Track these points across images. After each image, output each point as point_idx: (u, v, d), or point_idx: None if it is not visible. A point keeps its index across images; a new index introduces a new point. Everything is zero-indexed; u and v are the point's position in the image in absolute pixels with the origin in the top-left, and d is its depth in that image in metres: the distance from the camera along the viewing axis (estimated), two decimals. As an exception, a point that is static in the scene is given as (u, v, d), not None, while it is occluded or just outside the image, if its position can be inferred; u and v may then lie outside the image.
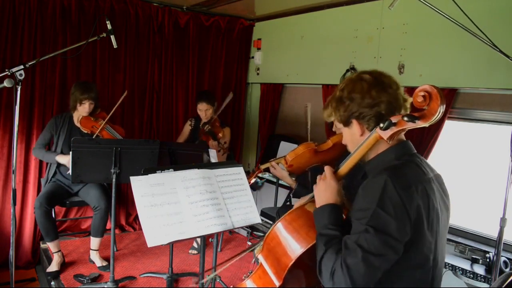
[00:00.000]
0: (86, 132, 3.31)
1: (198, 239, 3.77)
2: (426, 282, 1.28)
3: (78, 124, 3.35)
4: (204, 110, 3.71)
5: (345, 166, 1.37)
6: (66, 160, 3.19)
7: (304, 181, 2.53)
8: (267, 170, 2.65)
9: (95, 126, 3.30)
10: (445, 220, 1.34)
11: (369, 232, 1.15)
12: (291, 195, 3.64)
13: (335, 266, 1.18)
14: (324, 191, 1.35)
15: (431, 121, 1.21)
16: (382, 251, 1.15)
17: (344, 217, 1.34)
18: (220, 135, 3.61)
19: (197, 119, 3.88)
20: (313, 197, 1.42)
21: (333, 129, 2.75)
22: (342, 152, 2.54)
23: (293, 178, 2.52)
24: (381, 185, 1.19)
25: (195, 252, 3.69)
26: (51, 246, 3.22)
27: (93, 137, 3.25)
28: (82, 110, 3.29)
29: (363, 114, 1.31)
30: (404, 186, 1.19)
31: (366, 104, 1.30)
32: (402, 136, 1.35)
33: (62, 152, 3.30)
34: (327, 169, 1.39)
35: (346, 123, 1.37)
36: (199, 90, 4.39)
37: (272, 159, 2.60)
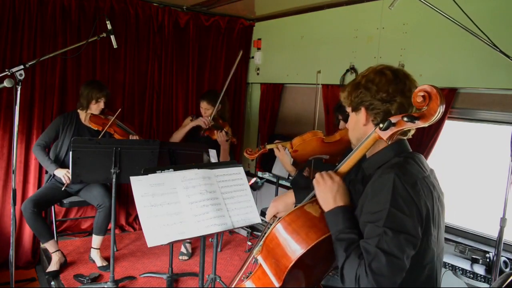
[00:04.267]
0: (96, 129, 3.34)
1: (187, 245, 3.77)
2: (433, 276, 1.31)
3: (86, 123, 3.36)
4: (204, 109, 3.72)
5: (344, 166, 1.37)
6: (62, 173, 3.22)
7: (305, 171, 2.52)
8: (271, 150, 2.64)
9: (105, 122, 3.34)
10: (443, 214, 1.36)
11: (388, 234, 1.14)
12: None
13: (359, 272, 1.16)
14: (336, 192, 1.32)
15: (431, 121, 1.21)
16: (403, 251, 1.15)
17: None
18: (226, 129, 3.64)
19: (197, 117, 3.89)
20: (312, 197, 1.42)
21: (340, 128, 2.77)
22: (347, 148, 2.54)
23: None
24: (390, 184, 1.19)
25: (185, 258, 3.67)
26: (47, 246, 3.23)
27: (103, 132, 3.29)
28: (96, 108, 3.35)
29: (373, 106, 1.32)
30: (411, 183, 1.21)
31: (379, 98, 1.31)
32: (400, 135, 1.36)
33: (67, 151, 3.30)
34: (331, 171, 1.37)
35: (355, 109, 1.39)
36: (199, 90, 4.40)
37: (279, 141, 2.57)
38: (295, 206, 1.66)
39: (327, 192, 1.33)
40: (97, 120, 3.34)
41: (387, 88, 1.30)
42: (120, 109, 3.44)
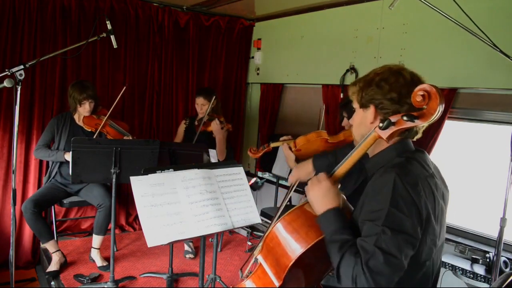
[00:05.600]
0: (89, 130, 3.32)
1: (190, 243, 3.77)
2: (429, 273, 1.31)
3: (80, 123, 3.35)
4: (200, 105, 3.71)
5: (343, 167, 1.37)
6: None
7: None
8: (275, 148, 2.65)
9: (98, 123, 3.30)
10: (445, 213, 1.36)
11: (386, 234, 1.14)
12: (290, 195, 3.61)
13: (355, 271, 1.15)
14: (324, 196, 1.32)
15: (430, 120, 1.21)
16: (402, 250, 1.15)
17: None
18: (222, 119, 3.61)
19: (191, 118, 3.90)
20: None
21: (342, 124, 2.77)
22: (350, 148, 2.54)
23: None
24: (391, 184, 1.19)
25: (192, 256, 3.67)
26: (48, 246, 3.23)
27: (96, 133, 3.26)
28: (83, 110, 3.29)
29: (382, 106, 1.31)
30: (412, 184, 1.20)
31: (389, 98, 1.29)
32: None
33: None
34: (321, 174, 1.37)
35: (364, 106, 1.37)
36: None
37: (283, 138, 2.57)
38: (314, 172, 1.72)
39: (316, 197, 1.34)
40: (89, 121, 3.32)
41: (400, 90, 1.28)
42: (124, 87, 3.33)
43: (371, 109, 1.34)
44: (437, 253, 1.33)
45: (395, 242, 1.14)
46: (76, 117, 3.39)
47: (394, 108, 1.29)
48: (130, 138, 3.34)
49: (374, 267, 1.13)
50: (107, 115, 3.29)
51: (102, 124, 3.27)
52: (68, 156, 3.19)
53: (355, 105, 1.42)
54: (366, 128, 1.37)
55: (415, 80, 1.31)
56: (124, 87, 3.36)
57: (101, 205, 3.26)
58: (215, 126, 3.52)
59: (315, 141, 2.44)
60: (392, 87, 1.29)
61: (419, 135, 1.38)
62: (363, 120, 1.38)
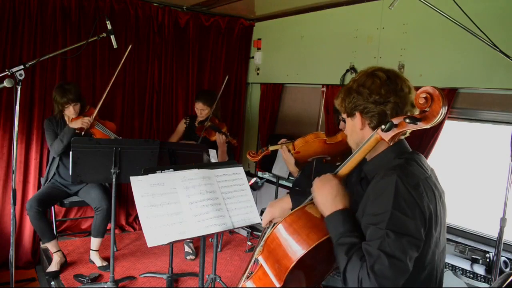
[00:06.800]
0: (77, 132, 3.29)
1: (190, 244, 3.78)
2: (433, 275, 1.31)
3: (71, 125, 3.33)
4: (200, 109, 3.71)
5: (345, 168, 1.36)
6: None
7: (308, 172, 2.52)
8: (274, 151, 2.64)
9: None
10: (445, 213, 1.36)
11: (390, 237, 1.14)
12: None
13: (361, 275, 1.15)
14: (334, 196, 1.30)
15: (433, 122, 1.21)
16: (406, 253, 1.14)
17: None
18: (224, 130, 3.61)
19: (191, 118, 3.89)
20: (312, 199, 1.41)
21: (340, 127, 2.77)
22: (349, 148, 2.54)
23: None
24: (393, 186, 1.18)
25: (193, 257, 3.67)
26: (49, 246, 3.23)
27: (83, 135, 3.24)
28: (69, 113, 3.26)
29: (367, 110, 1.33)
30: (414, 185, 1.20)
31: (372, 100, 1.31)
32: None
33: (59, 153, 3.28)
34: (328, 174, 1.36)
35: (350, 114, 1.39)
36: (199, 90, 4.39)
37: (282, 140, 2.57)
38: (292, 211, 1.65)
39: (326, 196, 1.31)
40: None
41: (379, 90, 1.30)
42: (130, 46, 3.23)
43: (357, 116, 1.36)
44: (440, 255, 1.32)
45: (399, 245, 1.13)
46: (66, 118, 3.36)
47: (379, 109, 1.31)
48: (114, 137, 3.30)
49: (379, 271, 1.12)
50: (93, 116, 3.25)
51: (89, 125, 3.24)
52: (74, 124, 3.20)
53: (344, 115, 1.44)
54: (358, 135, 1.38)
55: (391, 76, 1.32)
56: (130, 46, 3.25)
57: (98, 208, 3.25)
58: (219, 140, 3.53)
59: (313, 142, 2.44)
60: (371, 90, 1.31)
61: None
62: (354, 128, 1.40)
